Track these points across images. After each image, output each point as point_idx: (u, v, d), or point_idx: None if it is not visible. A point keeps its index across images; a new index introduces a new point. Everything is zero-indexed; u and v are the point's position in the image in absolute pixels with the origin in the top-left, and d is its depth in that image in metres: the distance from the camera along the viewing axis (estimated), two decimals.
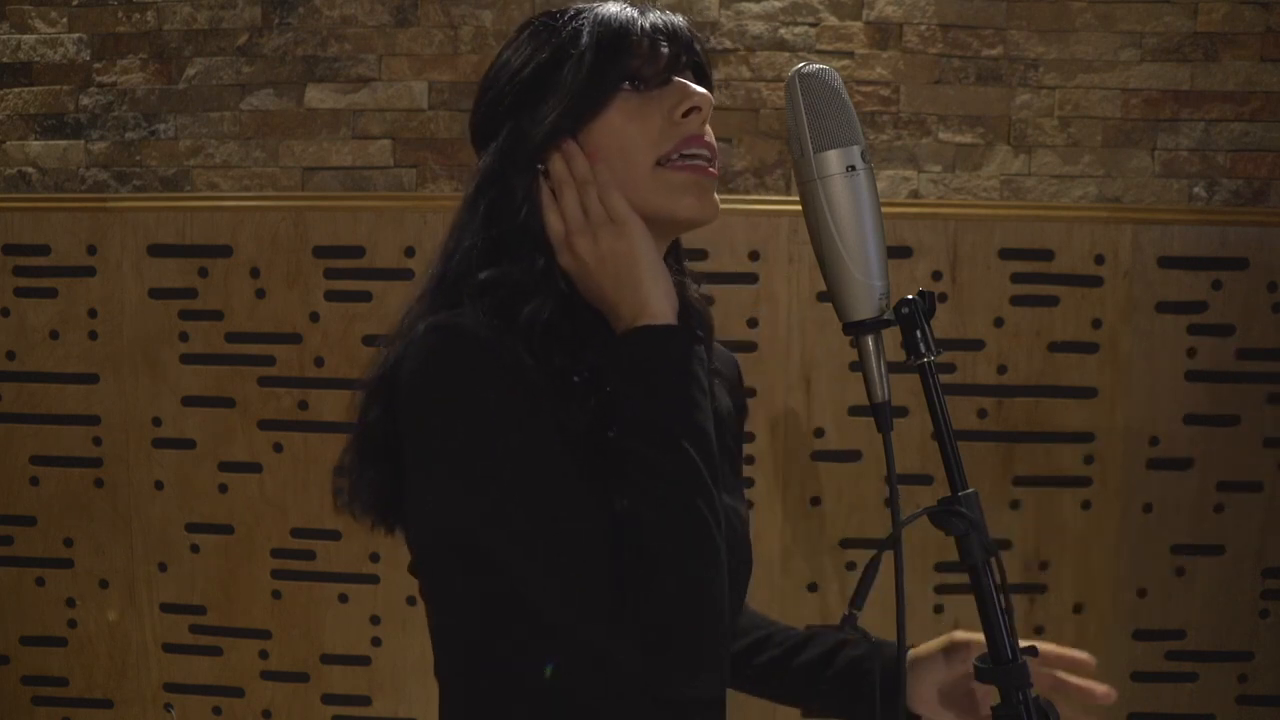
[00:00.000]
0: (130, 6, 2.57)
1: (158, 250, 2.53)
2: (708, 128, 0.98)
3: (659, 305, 0.92)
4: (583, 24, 0.96)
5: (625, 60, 0.95)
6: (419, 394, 0.90)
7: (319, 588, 2.57)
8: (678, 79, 0.97)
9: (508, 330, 0.91)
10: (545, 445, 0.88)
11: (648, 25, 0.96)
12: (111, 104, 2.60)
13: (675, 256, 1.06)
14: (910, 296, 0.91)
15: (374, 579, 2.55)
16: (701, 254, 2.41)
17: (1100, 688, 1.06)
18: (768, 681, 1.17)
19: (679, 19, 0.99)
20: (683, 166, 0.95)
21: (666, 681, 0.87)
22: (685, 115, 0.95)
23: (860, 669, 1.12)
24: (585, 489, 0.87)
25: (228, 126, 2.59)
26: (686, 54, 0.98)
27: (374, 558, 2.55)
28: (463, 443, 0.88)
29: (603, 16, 0.96)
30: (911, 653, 1.11)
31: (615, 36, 0.95)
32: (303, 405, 2.53)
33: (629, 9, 0.97)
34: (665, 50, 0.96)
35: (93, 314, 2.55)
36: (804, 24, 2.51)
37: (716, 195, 0.98)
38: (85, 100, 2.60)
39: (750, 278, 2.45)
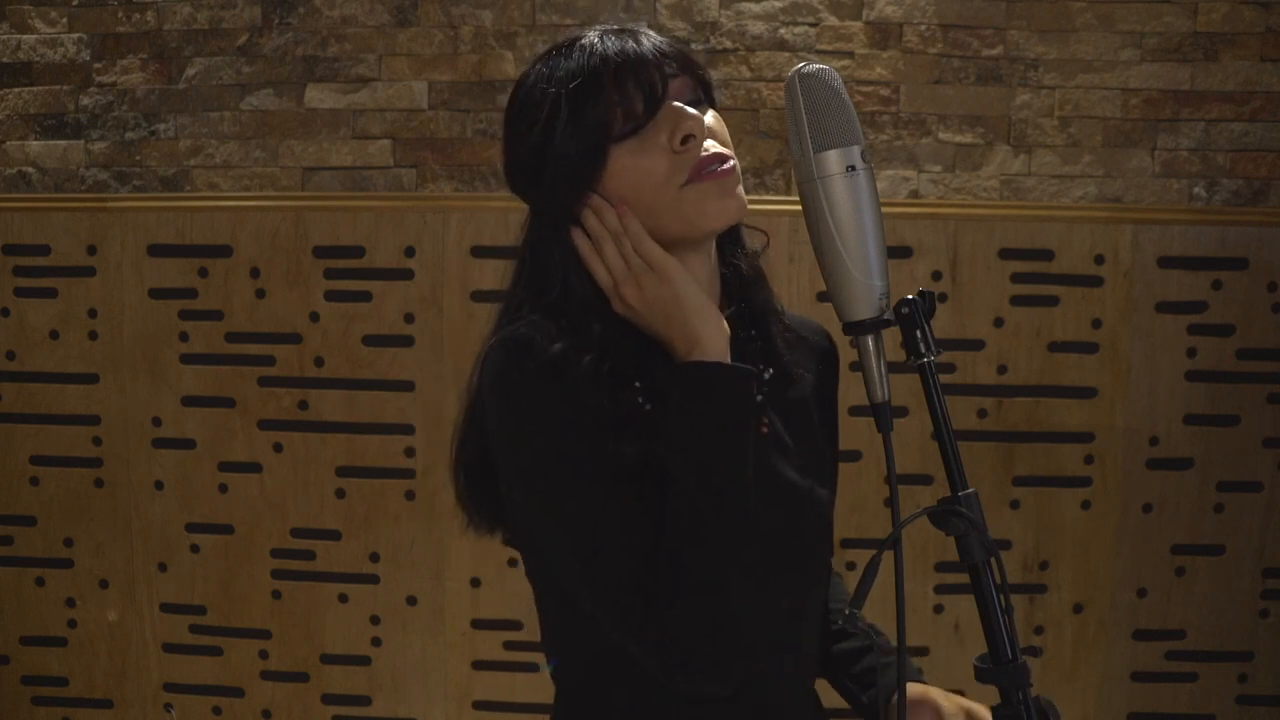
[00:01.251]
0: (130, 6, 2.57)
1: (158, 250, 2.53)
2: (715, 124, 0.99)
3: (709, 341, 0.95)
4: (560, 91, 0.98)
5: (604, 113, 0.97)
6: (492, 408, 0.98)
7: (319, 588, 2.57)
8: (668, 105, 0.98)
9: (571, 361, 0.96)
10: (594, 458, 0.94)
11: (612, 66, 0.97)
12: (111, 104, 2.60)
13: (732, 237, 1.09)
14: (910, 296, 0.91)
15: (374, 579, 2.55)
16: None
17: None
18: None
19: (644, 43, 0.99)
20: (702, 175, 0.97)
21: (681, 689, 0.93)
22: (683, 143, 0.96)
23: (872, 680, 1.15)
24: (632, 506, 0.93)
25: (228, 126, 2.59)
26: (661, 74, 0.98)
27: (374, 558, 2.55)
28: (519, 456, 0.96)
29: (573, 71, 0.98)
30: (919, 691, 1.10)
31: (588, 92, 0.97)
32: (303, 405, 2.53)
33: (595, 46, 0.98)
34: (637, 86, 0.97)
35: (93, 314, 2.55)
36: (804, 24, 2.51)
37: (741, 189, 1.00)
38: (85, 100, 2.60)
39: None
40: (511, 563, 2.49)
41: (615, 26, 1.02)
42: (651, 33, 1.02)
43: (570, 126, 0.97)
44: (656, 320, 0.97)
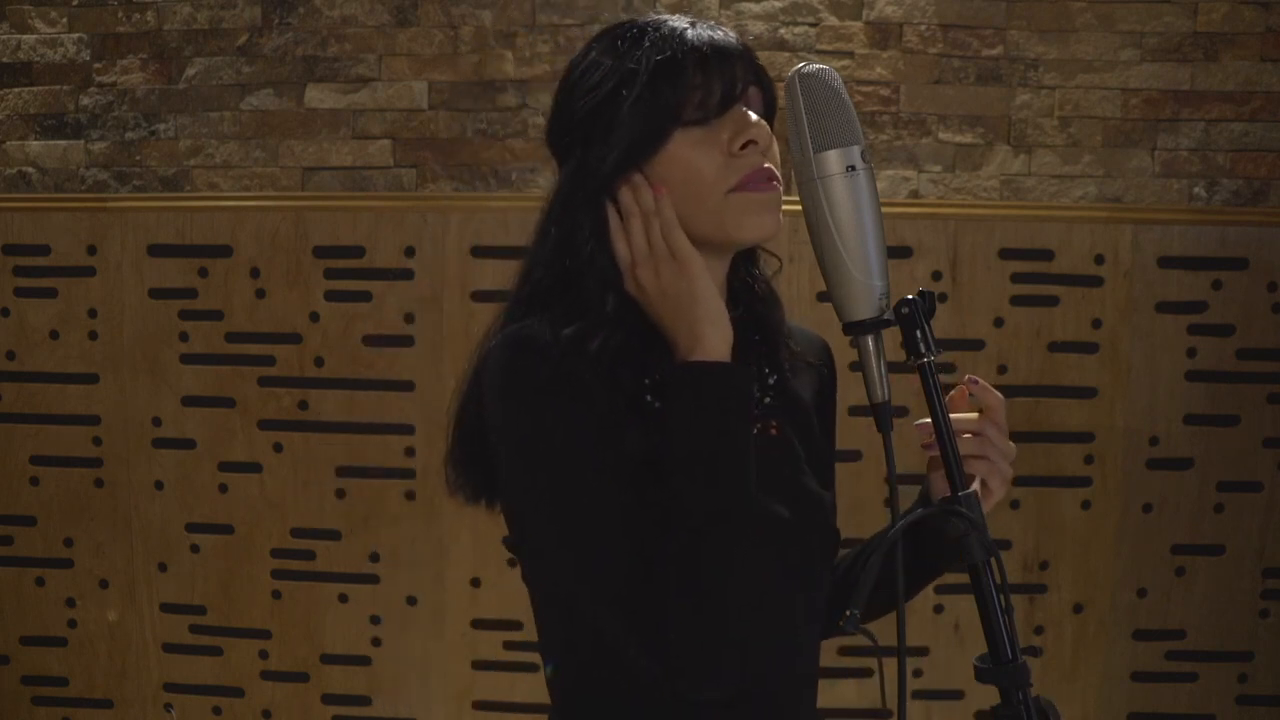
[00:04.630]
0: (130, 6, 2.57)
1: (158, 250, 2.53)
2: (771, 144, 0.99)
3: (712, 342, 0.94)
4: (640, 57, 0.97)
5: (681, 94, 0.96)
6: (496, 409, 0.97)
7: (319, 588, 2.57)
8: (738, 107, 0.97)
9: (577, 350, 0.95)
10: (598, 459, 0.93)
11: (701, 55, 0.97)
12: (111, 104, 2.60)
13: (749, 255, 1.09)
14: (910, 296, 0.91)
15: (374, 579, 2.55)
16: None
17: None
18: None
19: (733, 40, 1.00)
20: (748, 186, 0.96)
21: (681, 692, 0.92)
22: (743, 148, 0.96)
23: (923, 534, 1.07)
24: (633, 507, 0.92)
25: (228, 126, 2.59)
26: (744, 75, 0.98)
27: (374, 558, 2.55)
28: (524, 456, 0.96)
29: (659, 48, 0.97)
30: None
31: (670, 71, 0.96)
32: (303, 405, 2.53)
33: (688, 33, 0.98)
34: (720, 78, 0.97)
35: (93, 314, 2.55)
36: (804, 24, 2.51)
37: (781, 212, 0.99)
38: (85, 100, 2.60)
39: None
40: (511, 563, 2.49)
41: (706, 20, 1.01)
42: (735, 35, 1.01)
43: (644, 99, 0.96)
44: (665, 311, 0.96)
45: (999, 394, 1.00)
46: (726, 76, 0.97)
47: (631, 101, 0.96)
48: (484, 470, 1.03)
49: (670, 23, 0.99)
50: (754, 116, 0.97)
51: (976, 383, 1.01)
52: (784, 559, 1.00)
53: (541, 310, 0.99)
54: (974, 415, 1.00)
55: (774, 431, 1.05)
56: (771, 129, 1.01)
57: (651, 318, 0.98)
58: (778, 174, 0.98)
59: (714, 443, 0.92)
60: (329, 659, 2.58)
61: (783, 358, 1.08)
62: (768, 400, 1.06)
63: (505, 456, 0.97)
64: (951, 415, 1.00)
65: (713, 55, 0.97)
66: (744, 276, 1.08)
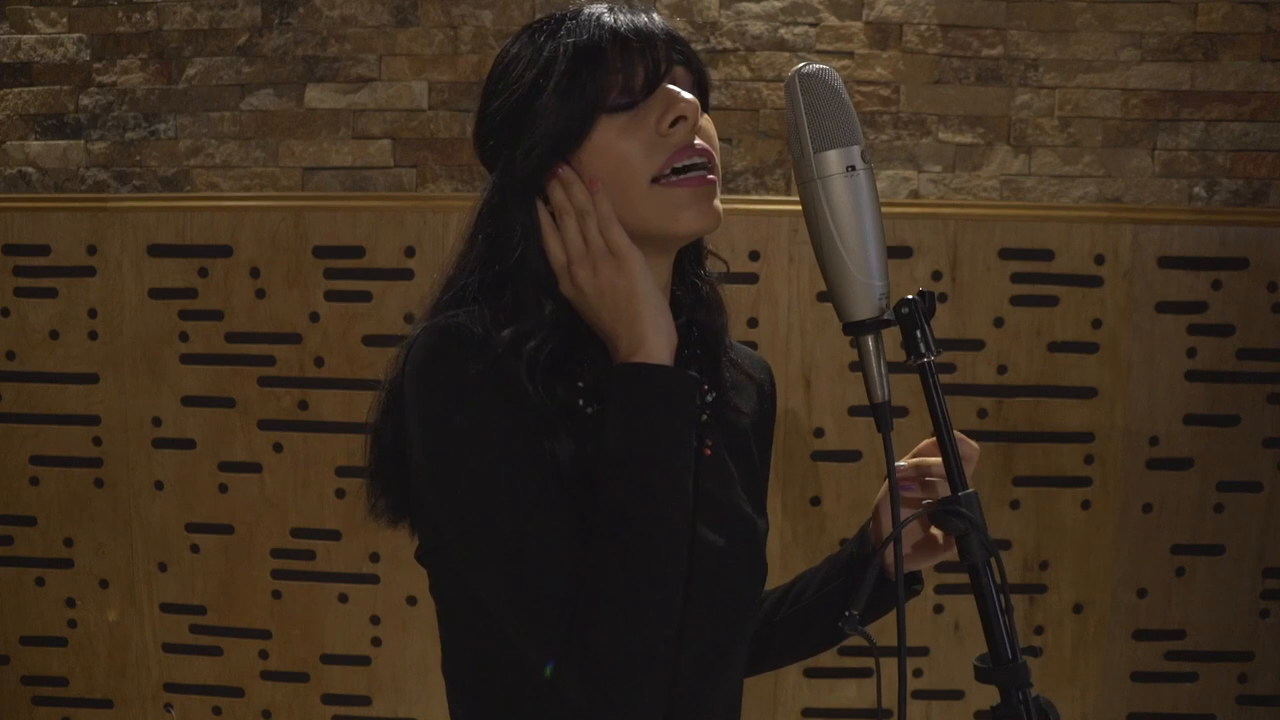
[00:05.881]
0: (130, 6, 2.57)
1: (158, 250, 2.53)
2: (706, 125, 0.95)
3: (655, 342, 0.90)
4: (558, 47, 0.93)
5: (602, 79, 0.92)
6: (414, 397, 0.91)
7: (319, 588, 2.57)
8: (664, 86, 0.93)
9: (513, 351, 0.90)
10: (525, 461, 0.88)
11: (621, 38, 0.93)
12: (111, 104, 2.60)
13: (695, 256, 1.05)
14: (910, 296, 0.91)
15: (374, 579, 2.55)
16: None
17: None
18: (793, 627, 1.14)
19: (656, 21, 0.95)
20: (678, 181, 0.93)
21: (599, 712, 0.87)
22: (672, 126, 0.92)
23: (839, 568, 1.12)
24: (558, 511, 0.88)
25: (228, 126, 2.59)
26: (668, 55, 0.94)
27: (374, 558, 2.55)
28: (444, 451, 0.89)
29: (576, 34, 0.93)
30: (876, 510, 1.09)
31: (589, 57, 0.92)
32: (303, 405, 2.53)
33: (604, 17, 0.94)
34: (642, 61, 0.93)
35: (93, 314, 2.55)
36: (804, 24, 2.51)
37: (718, 201, 0.95)
38: (85, 100, 2.60)
39: (750, 278, 2.45)
40: None
41: (627, 5, 0.97)
42: (660, 17, 0.97)
43: (563, 87, 0.91)
44: (604, 310, 0.92)
45: (974, 444, 0.98)
46: (649, 58, 0.93)
47: (551, 90, 0.92)
48: (404, 481, 0.96)
49: (589, 9, 0.95)
50: (683, 93, 0.93)
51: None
52: (712, 585, 0.95)
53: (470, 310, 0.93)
54: (937, 460, 0.99)
55: (708, 451, 1.00)
56: (707, 108, 0.97)
57: (588, 321, 0.94)
58: (713, 154, 0.94)
59: (654, 448, 0.88)
60: (329, 659, 2.59)
61: (723, 372, 1.04)
62: (705, 417, 1.01)
63: (427, 450, 0.90)
64: (926, 460, 1.01)
65: (633, 37, 0.93)
66: (690, 279, 1.03)
